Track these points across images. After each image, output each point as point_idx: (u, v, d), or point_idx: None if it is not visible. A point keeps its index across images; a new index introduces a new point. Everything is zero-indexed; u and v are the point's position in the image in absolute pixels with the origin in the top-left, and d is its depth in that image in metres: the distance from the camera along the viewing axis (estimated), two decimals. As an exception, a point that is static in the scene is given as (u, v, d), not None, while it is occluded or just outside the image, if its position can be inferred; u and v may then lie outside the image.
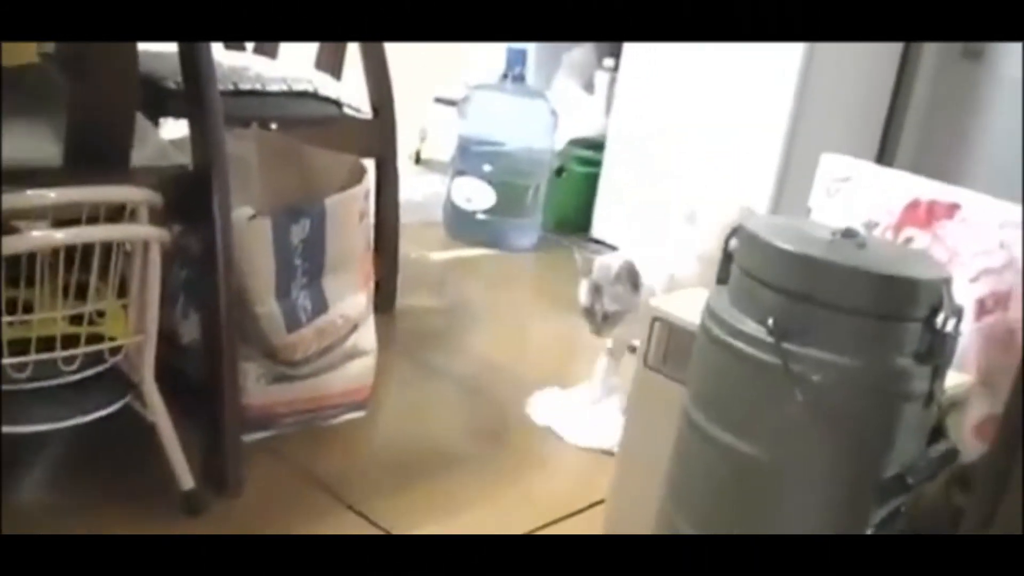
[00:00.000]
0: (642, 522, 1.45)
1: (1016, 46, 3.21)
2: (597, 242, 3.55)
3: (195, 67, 1.68)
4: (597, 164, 3.56)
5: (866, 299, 1.16)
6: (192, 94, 1.69)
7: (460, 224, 3.42)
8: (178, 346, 1.86)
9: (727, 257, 1.32)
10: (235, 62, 2.24)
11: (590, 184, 3.56)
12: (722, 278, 1.33)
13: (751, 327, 1.21)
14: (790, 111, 3.08)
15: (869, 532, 1.21)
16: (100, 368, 1.53)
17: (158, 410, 1.58)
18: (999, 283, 1.62)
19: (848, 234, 1.24)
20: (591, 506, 1.83)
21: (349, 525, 1.70)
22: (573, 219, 3.58)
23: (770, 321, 1.17)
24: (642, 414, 1.66)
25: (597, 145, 3.57)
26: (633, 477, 1.66)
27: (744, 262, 1.26)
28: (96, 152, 1.58)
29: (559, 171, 3.57)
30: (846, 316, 1.16)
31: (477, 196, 3.35)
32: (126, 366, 1.58)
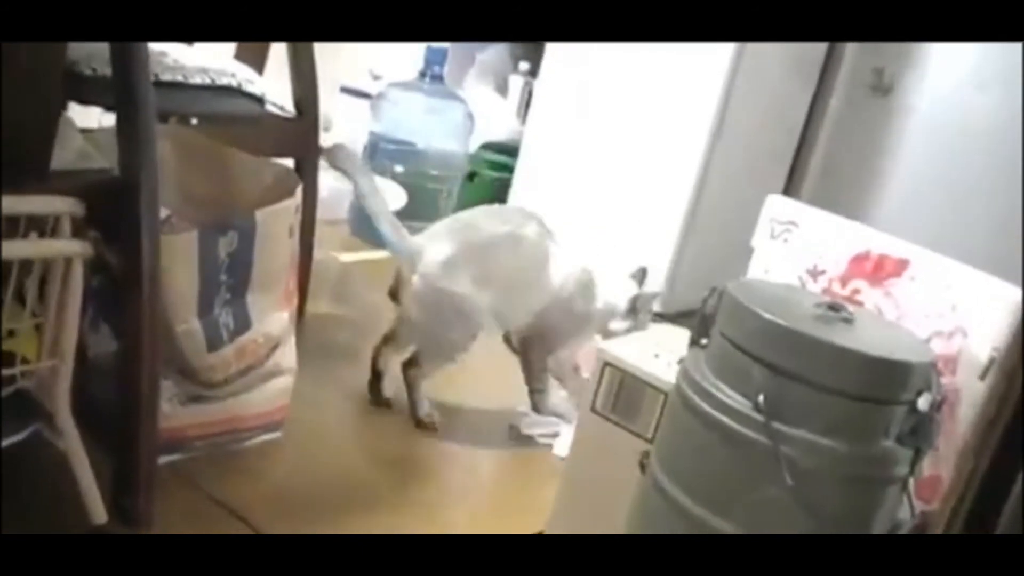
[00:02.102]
0: None
1: (923, 81, 3.28)
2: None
3: (127, 58, 1.54)
4: (509, 169, 3.49)
5: (858, 381, 1.13)
6: (122, 88, 1.55)
7: (367, 224, 3.25)
8: (84, 360, 1.72)
9: (704, 319, 1.27)
10: (152, 48, 2.09)
11: (501, 190, 3.50)
12: (696, 340, 1.28)
13: (736, 401, 1.16)
14: (708, 127, 3.07)
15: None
16: (8, 392, 1.40)
17: (72, 440, 1.45)
18: (948, 347, 1.61)
19: (834, 308, 1.21)
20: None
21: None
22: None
23: (760, 398, 1.13)
24: (585, 456, 1.62)
25: (510, 150, 3.51)
26: (571, 513, 1.62)
27: (729, 331, 1.21)
28: (13, 153, 1.44)
29: (471, 175, 3.49)
30: (836, 397, 1.13)
31: (387, 197, 3.24)
32: (38, 391, 1.45)
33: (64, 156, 1.54)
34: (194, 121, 2.20)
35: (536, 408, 2.19)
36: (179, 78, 2.05)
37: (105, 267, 1.66)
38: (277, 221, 1.82)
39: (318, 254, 2.86)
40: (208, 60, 2.15)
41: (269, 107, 2.27)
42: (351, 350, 2.47)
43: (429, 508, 1.86)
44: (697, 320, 1.29)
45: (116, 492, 1.54)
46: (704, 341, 1.27)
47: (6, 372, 1.38)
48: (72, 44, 1.76)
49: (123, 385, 1.56)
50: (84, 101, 1.92)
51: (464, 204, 3.39)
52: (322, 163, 3.85)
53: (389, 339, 2.16)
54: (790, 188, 3.39)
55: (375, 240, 3.22)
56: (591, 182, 3.30)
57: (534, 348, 2.16)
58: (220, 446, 1.83)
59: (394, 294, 2.08)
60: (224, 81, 2.13)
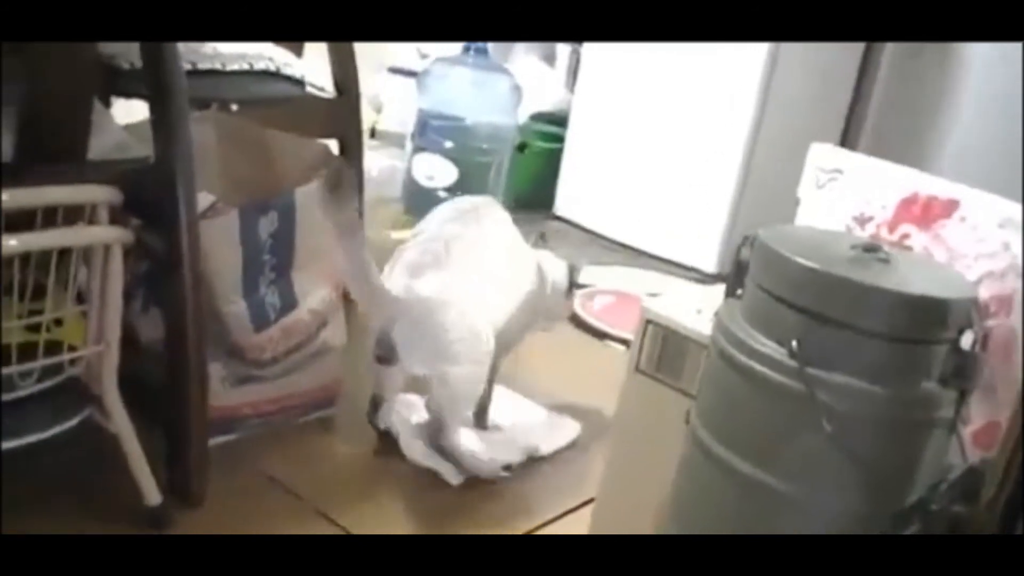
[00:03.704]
0: (630, 523, 1.41)
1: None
2: (560, 219, 3.48)
3: (158, 49, 1.56)
4: (559, 139, 3.47)
5: (895, 321, 1.09)
6: (155, 78, 1.57)
7: (420, 202, 3.30)
8: (137, 345, 1.74)
9: (738, 269, 1.24)
10: (191, 38, 2.11)
11: (553, 160, 3.48)
12: (731, 291, 1.26)
13: (770, 348, 1.14)
14: (757, 87, 3.02)
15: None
16: (58, 379, 1.42)
17: (122, 423, 1.48)
18: (1002, 287, 1.56)
19: (870, 248, 1.18)
20: (581, 505, 1.76)
21: (317, 531, 1.63)
22: (536, 196, 3.49)
23: (794, 344, 1.10)
24: (632, 418, 1.60)
25: (559, 120, 3.49)
26: (622, 478, 1.60)
27: (761, 278, 1.18)
28: (51, 145, 1.47)
29: (521, 147, 3.47)
30: (873, 339, 1.10)
31: (438, 173, 3.25)
32: (86, 376, 1.48)
33: (101, 147, 1.56)
34: (235, 107, 2.21)
35: (482, 425, 1.97)
36: (217, 66, 2.07)
37: (150, 253, 1.69)
38: (316, 199, 1.82)
39: (370, 232, 2.88)
40: (246, 46, 2.17)
41: (309, 88, 2.28)
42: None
43: (481, 481, 1.86)
44: (731, 270, 1.26)
45: (170, 473, 1.57)
46: (739, 292, 1.24)
47: (54, 360, 1.40)
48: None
49: (171, 367, 1.59)
50: (124, 94, 1.95)
51: (515, 176, 3.39)
52: (373, 142, 3.88)
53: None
54: (846, 142, 3.32)
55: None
56: (642, 146, 3.27)
57: (496, 349, 1.86)
58: (274, 425, 1.85)
59: (385, 358, 1.73)
60: (262, 66, 2.15)
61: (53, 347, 1.41)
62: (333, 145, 2.32)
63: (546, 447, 1.96)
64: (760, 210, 3.07)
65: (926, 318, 1.10)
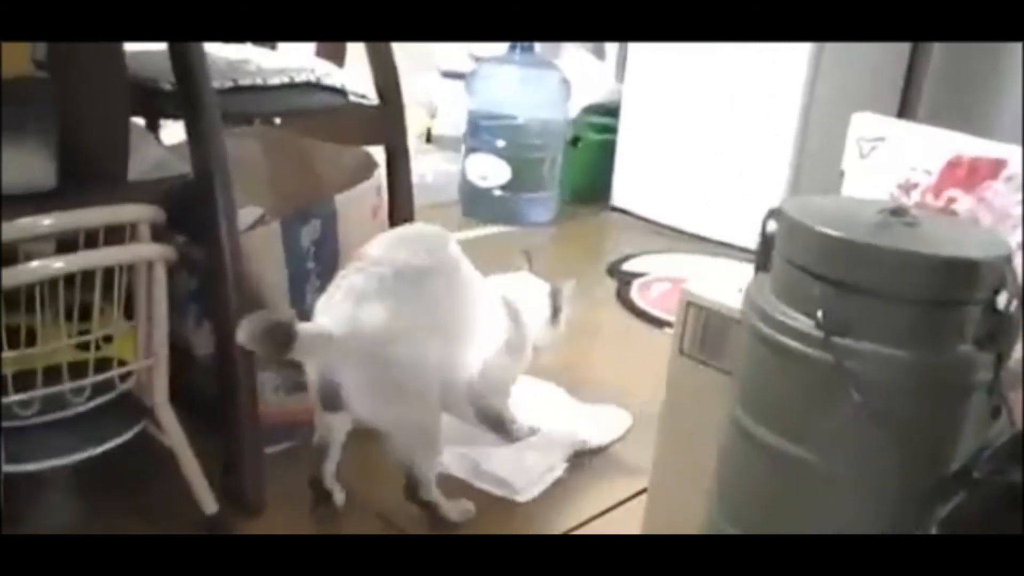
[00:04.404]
0: (684, 511, 1.39)
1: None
2: (618, 210, 3.46)
3: (187, 66, 1.60)
4: (613, 131, 3.46)
5: (922, 285, 1.07)
6: (186, 95, 1.61)
7: (476, 202, 3.33)
8: (192, 359, 1.79)
9: (766, 242, 1.23)
10: (233, 56, 2.15)
11: (607, 151, 3.47)
12: (761, 265, 1.24)
13: (797, 320, 1.12)
14: (807, 66, 2.97)
15: (934, 531, 1.13)
16: (111, 395, 1.46)
17: (175, 434, 1.51)
18: (1052, 246, 1.52)
19: (897, 212, 1.15)
20: (635, 495, 1.76)
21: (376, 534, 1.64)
22: (592, 189, 3.49)
23: (819, 314, 1.09)
24: (679, 403, 1.58)
25: (611, 111, 3.48)
26: (672, 467, 1.59)
27: (785, 249, 1.17)
28: (91, 169, 1.51)
29: (574, 140, 3.47)
30: (901, 304, 1.07)
31: (492, 172, 3.27)
32: (139, 390, 1.51)
33: (140, 166, 1.60)
34: (278, 120, 2.24)
35: (515, 436, 1.85)
36: (259, 81, 2.10)
37: (196, 267, 1.73)
38: (357, 204, 1.85)
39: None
40: (287, 60, 2.20)
41: (351, 98, 2.31)
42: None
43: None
44: (758, 243, 1.25)
45: (226, 482, 1.60)
46: (769, 266, 1.23)
47: (104, 377, 1.44)
48: (149, 61, 1.83)
49: (221, 378, 1.62)
50: (165, 114, 2.00)
51: (569, 170, 3.39)
52: (428, 147, 3.91)
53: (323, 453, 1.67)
54: (905, 110, 3.26)
55: (486, 218, 3.26)
56: (695, 131, 3.24)
57: (491, 396, 1.78)
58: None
59: (329, 403, 1.56)
60: (303, 78, 2.17)
61: (103, 364, 1.45)
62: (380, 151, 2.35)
63: (596, 439, 1.94)
64: (817, 187, 3.02)
65: (955, 279, 1.07)
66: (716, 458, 1.29)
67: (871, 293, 1.08)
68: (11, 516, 1.38)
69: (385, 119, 2.41)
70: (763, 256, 1.23)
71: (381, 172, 1.99)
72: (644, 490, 1.68)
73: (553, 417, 1.96)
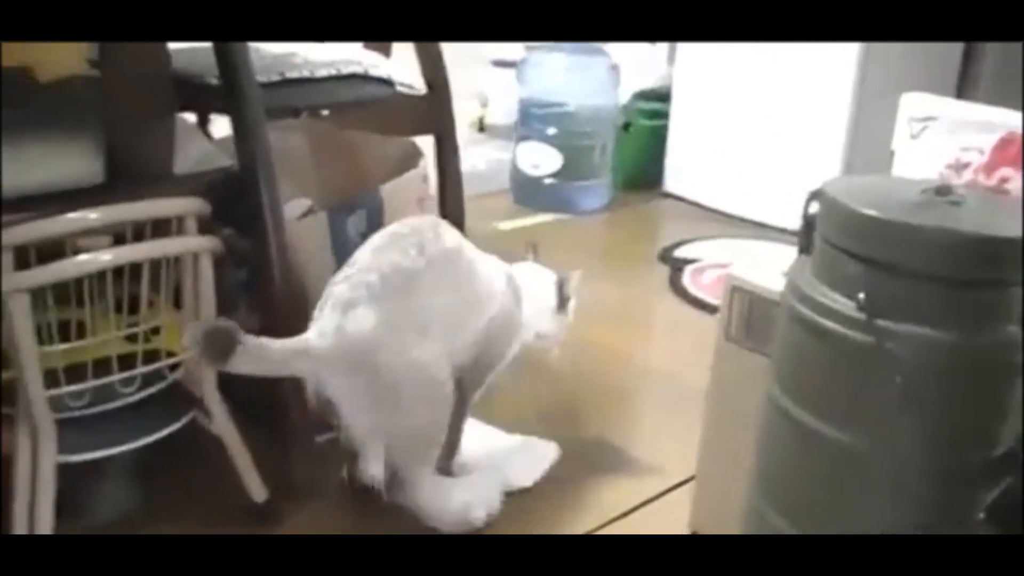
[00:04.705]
0: (731, 498, 1.37)
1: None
2: (670, 196, 3.44)
3: (230, 62, 1.62)
4: (664, 116, 3.43)
5: (964, 264, 1.05)
6: (229, 90, 1.63)
7: (528, 191, 3.33)
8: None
9: (807, 225, 1.21)
10: (280, 49, 2.17)
11: (658, 137, 3.44)
12: (803, 247, 1.23)
13: (838, 303, 1.10)
14: (860, 47, 2.92)
15: (980, 516, 1.11)
16: (160, 386, 1.49)
17: (223, 423, 1.54)
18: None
19: (941, 191, 1.13)
20: (681, 484, 1.75)
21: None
22: (643, 175, 3.46)
23: (860, 296, 1.07)
24: (725, 387, 1.57)
25: (663, 96, 3.45)
26: (719, 453, 1.57)
27: (826, 231, 1.15)
28: (138, 164, 1.54)
29: (625, 126, 3.45)
30: (943, 285, 1.05)
31: (543, 160, 3.26)
32: (187, 380, 1.54)
33: (187, 160, 1.62)
34: (325, 112, 2.26)
35: (448, 470, 1.72)
36: (306, 73, 2.11)
37: (243, 259, 1.75)
38: (403, 193, 1.86)
39: (481, 225, 2.90)
40: (333, 52, 2.21)
41: (398, 88, 2.31)
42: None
43: (584, 453, 1.87)
44: (801, 226, 1.23)
45: (276, 471, 1.62)
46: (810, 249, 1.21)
47: (153, 368, 1.46)
48: (196, 57, 1.86)
49: (270, 368, 1.63)
50: (212, 110, 2.02)
51: (621, 155, 3.37)
52: (480, 136, 3.91)
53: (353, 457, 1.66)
54: (963, 89, 3.19)
55: (538, 206, 3.26)
56: (748, 115, 3.20)
57: (467, 384, 1.70)
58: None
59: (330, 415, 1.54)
60: (350, 70, 2.19)
61: (152, 355, 1.47)
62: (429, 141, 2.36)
63: (522, 478, 1.77)
64: (870, 169, 2.97)
65: (998, 258, 1.05)
66: (755, 440, 1.27)
67: (912, 273, 1.06)
68: (67, 504, 1.41)
69: (432, 108, 2.42)
70: (805, 238, 1.22)
71: (426, 162, 1.99)
72: (692, 478, 1.67)
73: (482, 455, 1.80)
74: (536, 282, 1.81)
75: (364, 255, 1.54)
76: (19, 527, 1.38)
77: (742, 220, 3.21)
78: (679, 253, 2.92)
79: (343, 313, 1.46)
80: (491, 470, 1.74)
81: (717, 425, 1.58)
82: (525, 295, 1.76)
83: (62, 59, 1.50)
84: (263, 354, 1.41)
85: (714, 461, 1.59)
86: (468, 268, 1.62)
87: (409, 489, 1.58)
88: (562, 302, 1.82)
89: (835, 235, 1.13)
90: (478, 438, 1.82)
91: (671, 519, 1.66)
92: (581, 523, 1.67)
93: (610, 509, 1.71)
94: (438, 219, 1.65)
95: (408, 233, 1.56)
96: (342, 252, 1.78)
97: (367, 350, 1.45)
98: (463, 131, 2.68)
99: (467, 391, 1.70)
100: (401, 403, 1.50)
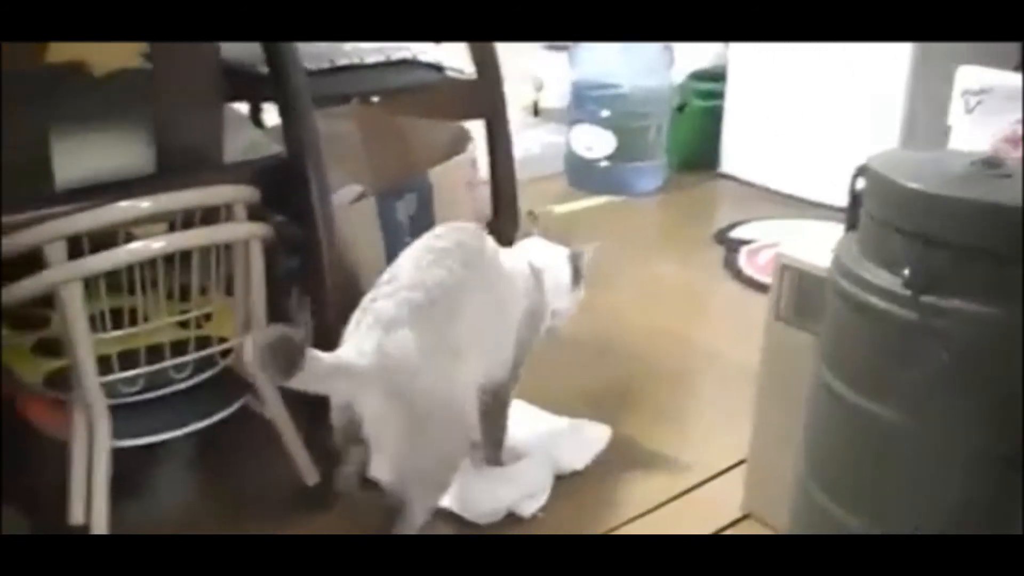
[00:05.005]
0: (783, 480, 1.35)
1: None
2: (726, 177, 3.40)
3: (276, 51, 1.63)
4: (719, 96, 3.40)
5: (1012, 239, 1.02)
6: (277, 79, 1.64)
7: (582, 173, 3.32)
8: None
9: (854, 200, 1.19)
10: (329, 36, 2.19)
11: (714, 117, 3.41)
12: (850, 224, 1.21)
13: (883, 279, 1.09)
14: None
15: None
16: (212, 372, 1.51)
17: (276, 408, 1.56)
18: None
19: (990, 164, 1.10)
20: (734, 466, 1.73)
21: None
22: (699, 156, 3.43)
23: (905, 272, 1.05)
24: (775, 369, 1.55)
25: (717, 76, 3.41)
26: (771, 435, 1.56)
27: (872, 206, 1.13)
28: (188, 153, 1.55)
29: (680, 107, 3.42)
30: (989, 259, 1.03)
31: (597, 143, 3.24)
32: (240, 366, 1.56)
33: (236, 149, 1.64)
34: (375, 98, 2.27)
35: (496, 460, 1.71)
36: (355, 60, 2.12)
37: (294, 245, 1.77)
38: (451, 177, 1.87)
39: (535, 209, 2.89)
40: (383, 38, 2.22)
41: (448, 73, 2.32)
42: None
43: (636, 436, 1.87)
44: (847, 202, 1.21)
45: (326, 455, 1.63)
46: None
47: (205, 353, 1.48)
48: (246, 48, 1.87)
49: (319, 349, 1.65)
50: (263, 99, 2.04)
51: (676, 136, 3.34)
52: (535, 120, 3.90)
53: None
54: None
55: (593, 189, 3.25)
56: (804, 93, 3.16)
57: (505, 388, 1.67)
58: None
59: (352, 436, 1.42)
60: (399, 56, 2.19)
61: (204, 341, 1.49)
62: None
63: (573, 462, 1.76)
64: (930, 145, 2.92)
65: (1048, 231, 1.02)
66: (803, 420, 1.26)
67: (958, 248, 1.03)
68: (122, 488, 1.44)
69: (482, 93, 2.42)
70: (851, 214, 1.20)
71: (475, 145, 1.99)
72: (743, 461, 1.66)
73: (532, 439, 1.79)
74: (547, 258, 1.75)
75: (407, 269, 1.46)
76: (76, 512, 1.41)
77: (799, 200, 3.17)
78: (735, 234, 2.89)
79: (385, 332, 1.38)
80: (541, 455, 1.73)
81: (768, 406, 1.57)
82: (545, 275, 1.71)
83: (117, 53, 1.52)
84: (315, 368, 1.31)
85: (766, 442, 1.58)
86: (505, 277, 1.59)
87: (405, 521, 1.45)
88: (576, 277, 1.76)
89: (880, 210, 1.11)
90: (528, 422, 1.81)
91: (724, 501, 1.65)
92: (632, 506, 1.66)
93: (661, 492, 1.70)
94: (478, 227, 1.60)
95: (453, 248, 1.50)
96: (392, 237, 1.80)
97: (408, 374, 1.38)
98: (517, 115, 2.68)
99: (506, 393, 1.67)
100: (429, 432, 1.42)
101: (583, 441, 1.81)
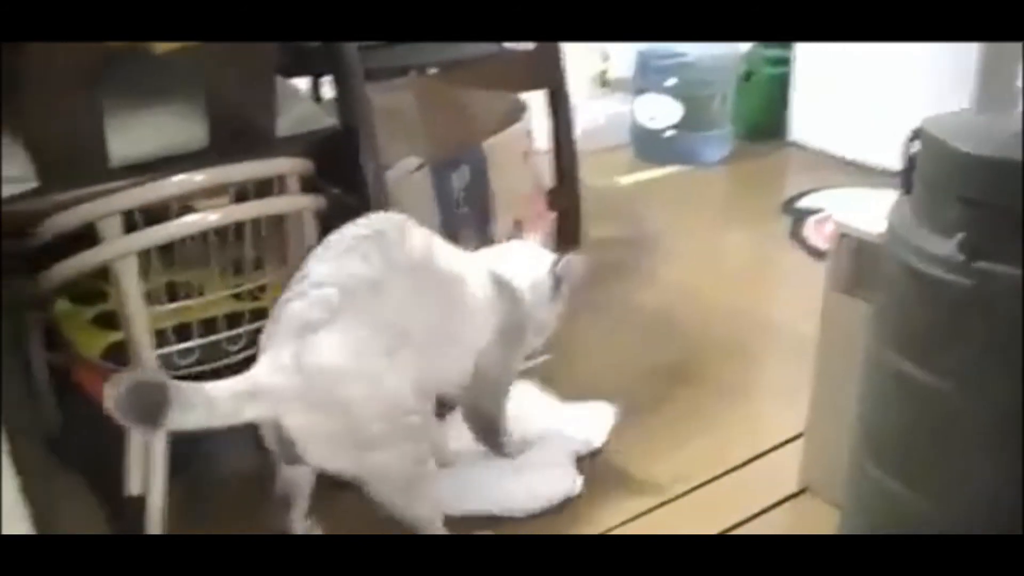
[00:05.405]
0: (840, 453, 1.32)
1: None
2: (795, 145, 3.34)
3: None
4: (786, 63, 3.33)
5: (1071, 202, 0.98)
6: (329, 52, 1.65)
7: (648, 144, 3.28)
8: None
9: (909, 165, 1.16)
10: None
11: (781, 85, 3.34)
12: (904, 188, 1.17)
13: (937, 245, 1.05)
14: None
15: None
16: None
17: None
18: None
19: (1048, 125, 1.06)
20: (792, 439, 1.71)
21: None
22: (767, 124, 3.37)
23: (959, 237, 1.02)
24: (834, 340, 1.52)
25: (784, 43, 3.34)
26: (829, 409, 1.53)
27: (926, 170, 1.10)
28: (241, 127, 1.57)
29: (747, 75, 3.36)
30: (1050, 224, 0.99)
31: (662, 112, 3.20)
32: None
33: (289, 122, 1.65)
34: (433, 70, 2.27)
35: (510, 453, 1.65)
36: (414, 32, 2.12)
37: (349, 217, 1.78)
38: (507, 148, 1.86)
39: (599, 180, 2.88)
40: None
41: (506, 44, 2.30)
42: (627, 268, 2.47)
43: (697, 408, 1.85)
44: (903, 166, 1.17)
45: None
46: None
47: (259, 325, 1.49)
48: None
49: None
50: (315, 71, 2.05)
51: (742, 105, 3.28)
52: (603, 90, 3.86)
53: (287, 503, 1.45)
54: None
55: (658, 159, 3.21)
56: (876, 59, 3.07)
57: (485, 395, 1.56)
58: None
59: (288, 457, 1.31)
60: (457, 26, 2.19)
61: (258, 313, 1.50)
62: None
63: (590, 441, 1.73)
64: (1002, 109, 2.83)
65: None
66: (858, 390, 1.23)
67: (1013, 213, 1.00)
68: (178, 461, 1.46)
69: (543, 63, 2.40)
70: (906, 178, 1.16)
71: (531, 116, 1.98)
72: (801, 434, 1.64)
73: (541, 423, 1.74)
74: (527, 266, 1.56)
75: (318, 264, 1.32)
76: (133, 483, 1.44)
77: (872, 169, 3.09)
78: (802, 204, 2.83)
79: (300, 339, 1.24)
80: (557, 441, 1.69)
81: (826, 378, 1.54)
82: (519, 285, 1.53)
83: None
84: (206, 403, 1.19)
85: (824, 415, 1.55)
86: (444, 272, 1.41)
87: (423, 527, 1.39)
88: (556, 287, 1.56)
89: (934, 174, 1.08)
90: (538, 411, 1.77)
91: (781, 475, 1.63)
92: (688, 480, 1.65)
93: (719, 464, 1.68)
94: (404, 217, 1.41)
95: (369, 235, 1.34)
96: (446, 208, 1.80)
97: (332, 383, 1.24)
98: (584, 86, 2.65)
99: (489, 412, 1.57)
100: (375, 441, 1.29)
101: (595, 421, 1.77)
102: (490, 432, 1.60)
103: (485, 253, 1.57)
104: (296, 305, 1.27)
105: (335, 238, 1.35)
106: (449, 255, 1.44)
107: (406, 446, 1.33)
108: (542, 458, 1.64)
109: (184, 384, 1.18)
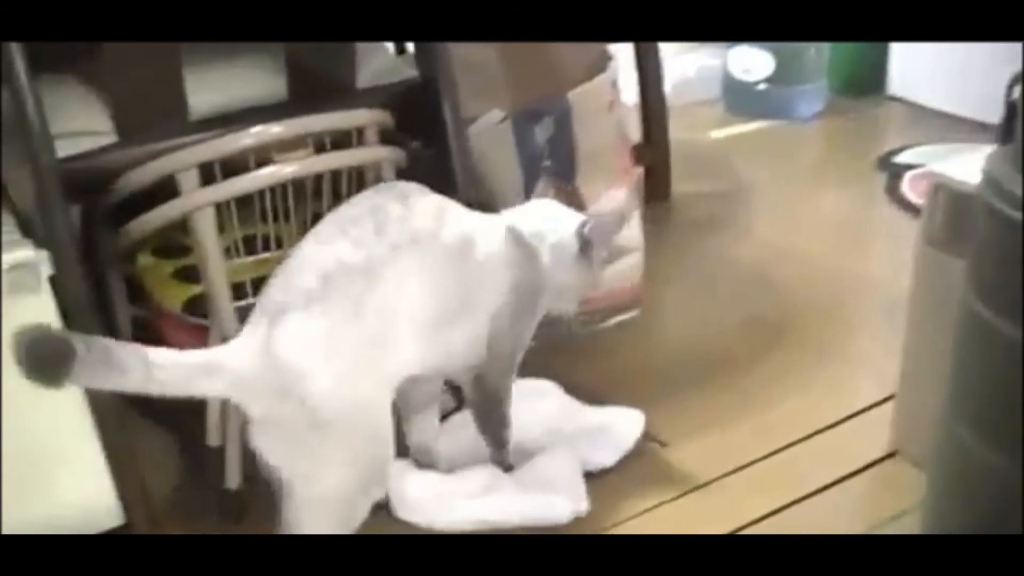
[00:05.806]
0: (933, 417, 1.25)
1: None
2: (895, 100, 3.22)
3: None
4: (888, 12, 3.20)
5: None
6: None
7: (739, 97, 3.19)
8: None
9: (1009, 111, 1.09)
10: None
11: (881, 36, 3.22)
12: (1004, 136, 1.11)
13: (1035, 194, 0.99)
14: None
15: None
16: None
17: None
18: None
19: None
20: (882, 401, 1.65)
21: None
22: (864, 78, 3.24)
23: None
24: (927, 298, 1.46)
25: (887, -9, 3.22)
26: (921, 370, 1.47)
27: (1026, 116, 1.03)
28: (319, 79, 1.56)
29: (845, 27, 3.24)
30: None
31: (755, 65, 3.11)
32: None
33: (369, 74, 1.63)
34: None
35: (501, 461, 1.53)
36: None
37: (430, 171, 1.76)
38: (592, 99, 1.82)
39: (689, 135, 2.82)
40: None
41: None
42: (717, 224, 2.42)
43: (788, 367, 1.81)
44: (1003, 113, 1.11)
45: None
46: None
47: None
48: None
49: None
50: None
51: (838, 58, 3.17)
52: (692, 44, 3.77)
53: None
54: None
55: (750, 114, 3.13)
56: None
57: (491, 373, 1.45)
58: (577, 329, 1.82)
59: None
60: (542, -24, 2.15)
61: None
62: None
63: (602, 457, 1.57)
64: None
65: None
66: (951, 350, 1.17)
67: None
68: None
69: (630, 13, 2.35)
70: (1006, 126, 1.10)
71: (617, 65, 1.93)
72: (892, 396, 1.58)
73: (553, 430, 1.60)
74: (550, 226, 1.45)
75: (306, 244, 1.26)
76: (213, 434, 1.45)
77: (977, 123, 2.97)
78: (900, 159, 2.73)
79: (271, 324, 1.17)
80: (563, 453, 1.54)
81: (919, 338, 1.48)
82: (542, 247, 1.43)
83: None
84: (143, 367, 1.10)
85: (915, 376, 1.49)
86: (452, 240, 1.32)
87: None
88: (584, 250, 1.44)
89: (1037, 120, 1.02)
90: (553, 416, 1.64)
91: (871, 437, 1.58)
92: (775, 440, 1.61)
93: (807, 426, 1.64)
94: (411, 187, 1.33)
95: (363, 216, 1.26)
96: (529, 160, 1.77)
97: (297, 375, 1.17)
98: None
99: (497, 386, 1.46)
100: (329, 443, 1.21)
101: (614, 433, 1.61)
102: (492, 416, 1.49)
103: (507, 212, 1.47)
104: (274, 286, 1.22)
105: (332, 216, 1.28)
106: (460, 219, 1.36)
107: (360, 452, 1.24)
108: (545, 474, 1.50)
109: (114, 343, 1.10)
